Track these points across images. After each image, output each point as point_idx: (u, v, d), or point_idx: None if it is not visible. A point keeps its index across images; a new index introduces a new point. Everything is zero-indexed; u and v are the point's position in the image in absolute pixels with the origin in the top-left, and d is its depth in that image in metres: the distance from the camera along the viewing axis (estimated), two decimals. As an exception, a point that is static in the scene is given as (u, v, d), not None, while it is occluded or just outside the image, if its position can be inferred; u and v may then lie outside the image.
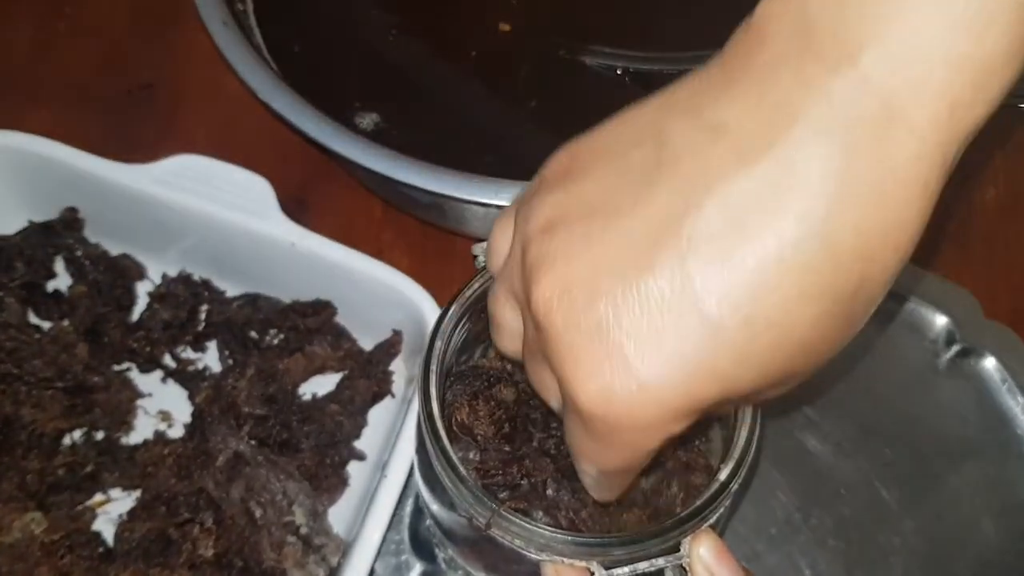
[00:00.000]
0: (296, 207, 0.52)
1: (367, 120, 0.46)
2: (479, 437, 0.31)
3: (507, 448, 0.31)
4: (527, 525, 0.27)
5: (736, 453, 0.29)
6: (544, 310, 0.22)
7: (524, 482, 0.31)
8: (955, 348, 0.48)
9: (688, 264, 0.20)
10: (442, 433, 0.29)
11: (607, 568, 0.27)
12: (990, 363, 0.48)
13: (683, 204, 0.21)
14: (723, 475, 0.29)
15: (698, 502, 0.28)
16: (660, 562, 0.28)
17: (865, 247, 0.21)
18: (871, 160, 0.20)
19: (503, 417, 0.32)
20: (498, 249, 0.27)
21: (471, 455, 0.32)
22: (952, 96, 0.20)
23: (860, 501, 0.45)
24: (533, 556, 0.28)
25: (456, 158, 0.43)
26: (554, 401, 0.26)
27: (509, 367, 0.34)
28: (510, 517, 0.27)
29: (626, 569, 0.27)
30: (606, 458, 0.24)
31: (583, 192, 0.23)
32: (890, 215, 0.21)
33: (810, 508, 0.45)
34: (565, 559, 0.27)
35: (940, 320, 0.49)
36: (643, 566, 0.27)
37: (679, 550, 0.28)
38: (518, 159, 0.46)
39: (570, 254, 0.22)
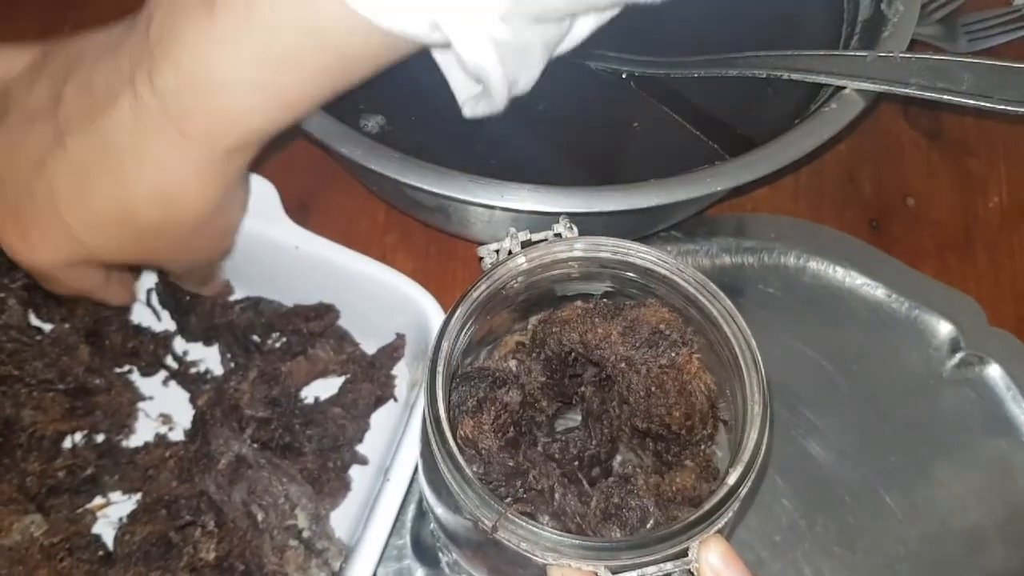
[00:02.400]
0: (300, 211, 0.52)
1: (372, 122, 0.46)
2: (483, 451, 0.31)
3: (511, 461, 0.31)
4: (533, 528, 0.27)
5: (745, 457, 0.29)
6: None
7: (531, 488, 0.31)
8: (959, 356, 0.48)
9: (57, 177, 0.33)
10: (448, 436, 0.28)
11: (614, 572, 0.27)
12: (995, 371, 0.48)
13: (58, 139, 0.33)
14: (732, 479, 0.29)
15: (707, 506, 0.28)
16: (668, 567, 0.27)
17: (161, 199, 0.33)
18: (162, 145, 0.32)
19: (508, 421, 0.32)
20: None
21: (475, 468, 0.31)
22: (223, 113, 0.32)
23: (865, 508, 0.45)
24: (539, 560, 0.27)
25: (461, 161, 0.42)
26: None
27: (515, 369, 0.34)
28: (516, 520, 0.27)
29: (634, 573, 0.27)
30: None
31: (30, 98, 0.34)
32: (174, 185, 0.33)
33: (815, 515, 0.44)
34: (572, 562, 0.27)
35: (944, 328, 0.49)
36: (651, 571, 0.27)
37: (687, 555, 0.28)
38: (521, 162, 0.46)
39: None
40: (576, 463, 0.34)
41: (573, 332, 0.34)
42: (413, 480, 0.39)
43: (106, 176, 0.32)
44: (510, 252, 0.33)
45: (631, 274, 0.33)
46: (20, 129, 0.34)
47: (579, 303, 0.34)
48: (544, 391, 0.34)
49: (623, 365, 0.33)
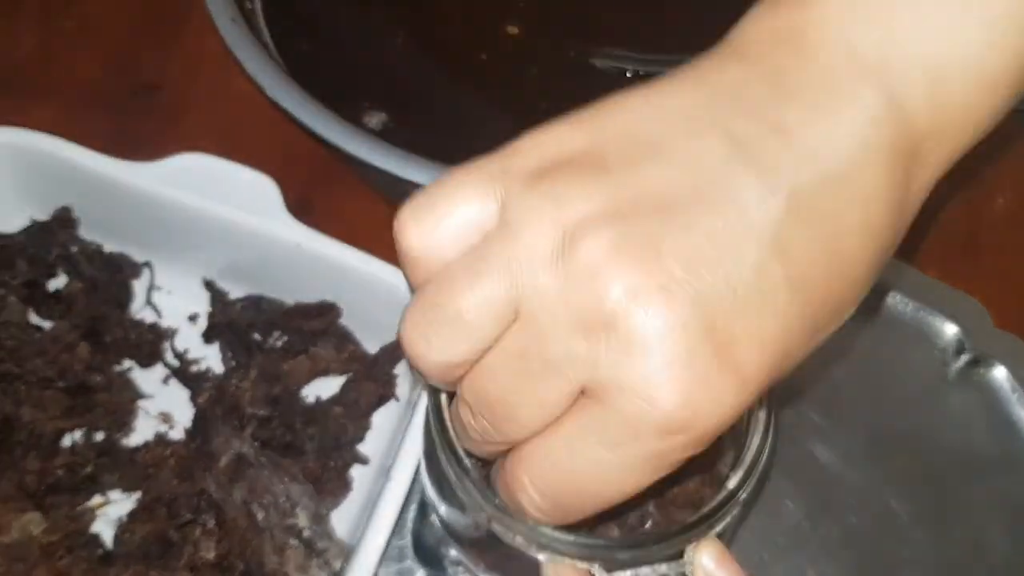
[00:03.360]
0: (301, 209, 0.52)
1: (375, 119, 0.46)
2: None
3: None
4: (529, 523, 0.27)
5: (747, 461, 0.29)
6: (628, 308, 0.20)
7: None
8: (964, 358, 0.48)
9: (778, 256, 0.22)
10: (448, 425, 0.28)
11: (609, 571, 0.27)
12: (1000, 373, 0.47)
13: (771, 199, 0.22)
14: (732, 483, 0.28)
15: (704, 510, 0.28)
16: (663, 568, 0.27)
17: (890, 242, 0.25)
18: (904, 179, 0.24)
19: None
20: (460, 230, 0.23)
21: (474, 459, 0.31)
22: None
23: (869, 511, 0.44)
24: (534, 555, 0.27)
25: (464, 159, 0.42)
26: (528, 427, 0.23)
27: None
28: (512, 513, 0.27)
29: (628, 573, 0.27)
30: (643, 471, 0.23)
31: (642, 181, 0.22)
32: (907, 218, 0.26)
33: (818, 517, 0.44)
34: (566, 560, 0.27)
35: (949, 329, 0.49)
36: (645, 571, 0.27)
37: (683, 556, 0.27)
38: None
39: (657, 248, 0.21)
40: None
41: None
42: (414, 480, 0.39)
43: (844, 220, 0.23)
44: None
45: None
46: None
47: None
48: None
49: None
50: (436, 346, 0.23)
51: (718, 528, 0.28)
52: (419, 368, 0.24)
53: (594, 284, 0.21)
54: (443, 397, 0.29)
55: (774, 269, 0.21)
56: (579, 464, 0.22)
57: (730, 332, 0.21)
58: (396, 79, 0.47)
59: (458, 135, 0.45)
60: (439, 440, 0.28)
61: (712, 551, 0.27)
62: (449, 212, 0.23)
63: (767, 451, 0.29)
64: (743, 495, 0.28)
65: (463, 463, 0.28)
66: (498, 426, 0.23)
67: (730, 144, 0.22)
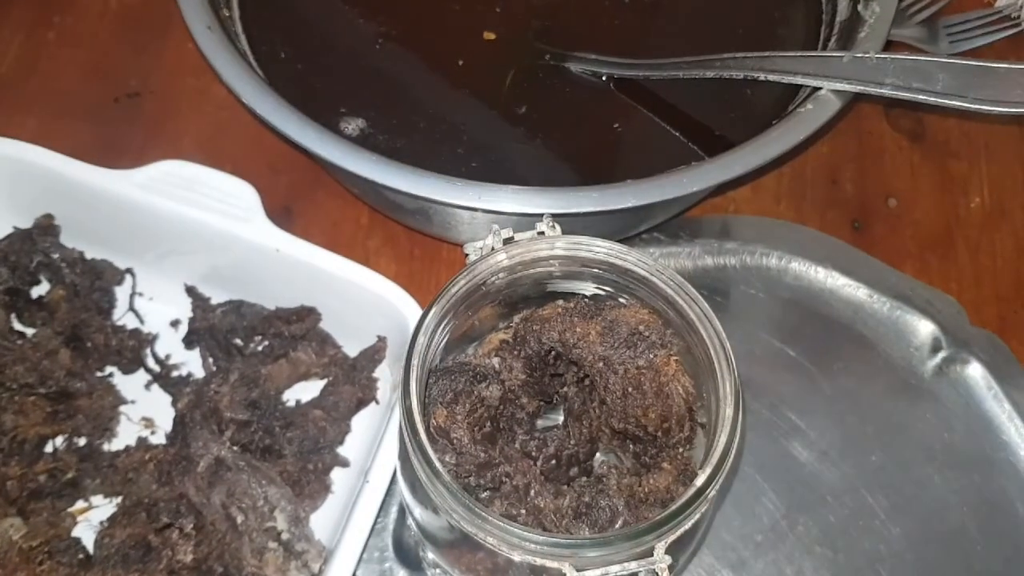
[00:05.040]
0: (283, 215, 0.52)
1: (352, 125, 0.46)
2: (455, 441, 0.31)
3: (483, 453, 0.31)
4: (500, 523, 0.27)
5: (714, 459, 0.29)
6: None
7: (506, 483, 0.31)
8: (941, 355, 0.49)
9: None
10: (420, 427, 0.29)
11: (579, 570, 0.27)
12: (976, 370, 0.48)
13: None
14: (700, 481, 0.29)
15: (673, 507, 0.28)
16: (632, 566, 0.27)
17: None
18: None
19: (484, 416, 0.32)
20: None
21: (448, 457, 0.31)
22: None
23: (846, 508, 0.45)
24: (506, 555, 0.27)
25: (442, 163, 0.43)
26: None
27: (497, 364, 0.34)
28: (484, 515, 0.27)
29: (597, 572, 0.27)
30: None
31: None
32: None
33: (796, 515, 0.44)
34: (537, 559, 0.27)
35: (926, 327, 0.49)
36: (615, 570, 0.27)
37: (652, 555, 0.28)
38: (503, 164, 0.46)
39: None
40: (554, 461, 0.34)
41: (553, 330, 0.34)
42: (393, 482, 0.39)
43: None
44: (492, 248, 0.33)
45: (612, 275, 0.33)
46: None
47: (560, 302, 0.35)
48: (525, 388, 0.34)
49: (601, 365, 0.33)
50: None
51: (687, 526, 0.28)
52: None
53: None
54: (414, 401, 0.29)
55: None
56: None
57: None
58: (373, 85, 0.48)
59: (435, 140, 0.45)
60: (410, 440, 0.29)
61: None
62: None
63: (734, 449, 0.29)
64: (711, 492, 0.29)
65: (435, 466, 0.28)
66: None
67: None
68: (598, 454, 0.36)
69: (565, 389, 0.37)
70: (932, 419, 0.47)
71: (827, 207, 0.54)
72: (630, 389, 0.32)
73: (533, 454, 0.33)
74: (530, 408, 0.35)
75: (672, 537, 0.28)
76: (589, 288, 0.35)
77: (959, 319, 0.49)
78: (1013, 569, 0.44)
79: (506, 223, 0.41)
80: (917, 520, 0.45)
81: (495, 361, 0.34)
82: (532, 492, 0.31)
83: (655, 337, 0.33)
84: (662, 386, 0.32)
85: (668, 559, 0.27)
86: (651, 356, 0.32)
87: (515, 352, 0.35)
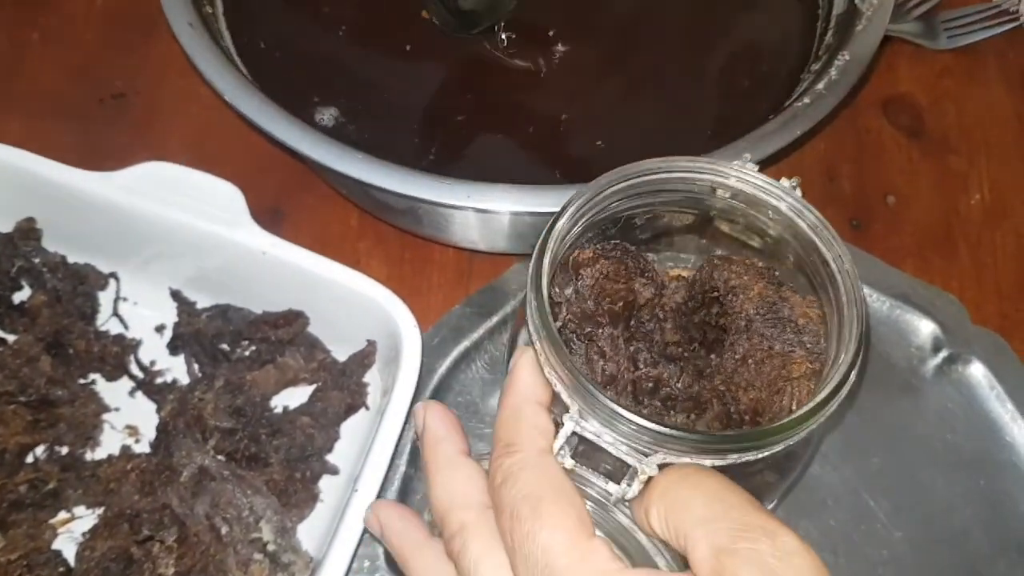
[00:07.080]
0: (271, 217, 0.51)
1: (327, 115, 0.45)
2: (581, 279, 0.31)
3: (599, 317, 0.30)
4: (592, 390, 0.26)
5: (852, 347, 0.28)
6: None
7: (596, 359, 0.31)
8: (942, 354, 0.48)
9: None
10: (544, 283, 0.28)
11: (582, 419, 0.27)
12: (978, 369, 0.47)
13: None
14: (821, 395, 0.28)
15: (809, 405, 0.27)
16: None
17: None
18: None
19: (622, 297, 0.31)
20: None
21: (568, 291, 0.31)
22: None
23: (847, 511, 0.44)
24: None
25: (418, 151, 0.41)
26: None
27: (665, 279, 0.33)
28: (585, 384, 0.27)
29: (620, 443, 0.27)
30: None
31: None
32: None
33: (796, 519, 0.44)
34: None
35: (927, 326, 0.48)
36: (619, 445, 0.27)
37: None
38: (489, 153, 0.46)
39: None
40: (650, 384, 0.32)
41: (729, 270, 0.33)
42: (383, 490, 0.38)
43: None
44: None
45: (800, 251, 0.32)
46: None
47: (756, 260, 0.34)
48: (674, 316, 0.34)
49: (743, 323, 0.32)
50: None
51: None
52: None
53: None
54: (546, 261, 0.29)
55: None
56: None
57: None
58: (346, 73, 0.47)
59: (411, 129, 0.44)
60: (534, 297, 0.28)
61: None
62: None
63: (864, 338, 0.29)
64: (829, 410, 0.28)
65: (552, 330, 0.28)
66: None
67: None
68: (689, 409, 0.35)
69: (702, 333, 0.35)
70: (933, 420, 0.46)
71: (826, 205, 0.53)
72: (750, 361, 0.32)
73: (639, 365, 0.32)
74: (667, 337, 0.34)
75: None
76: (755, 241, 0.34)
77: (960, 318, 0.49)
78: (1017, 572, 0.43)
79: (499, 222, 0.40)
80: (919, 523, 0.44)
81: (664, 276, 0.34)
82: (614, 385, 0.30)
83: (807, 338, 0.32)
84: (779, 380, 0.31)
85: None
86: (790, 350, 0.31)
87: (687, 282, 0.34)
